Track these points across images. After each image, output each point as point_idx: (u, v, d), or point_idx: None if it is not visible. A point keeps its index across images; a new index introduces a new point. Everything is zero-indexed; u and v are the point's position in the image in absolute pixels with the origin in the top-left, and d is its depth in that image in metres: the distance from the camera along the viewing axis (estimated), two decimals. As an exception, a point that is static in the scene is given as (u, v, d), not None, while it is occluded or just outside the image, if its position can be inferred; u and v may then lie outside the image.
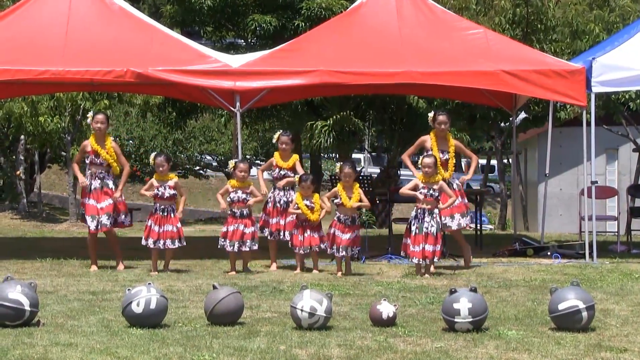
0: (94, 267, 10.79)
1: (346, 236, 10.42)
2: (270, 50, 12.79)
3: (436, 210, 10.31)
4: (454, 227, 11.09)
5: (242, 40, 21.62)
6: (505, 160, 27.84)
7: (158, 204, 10.58)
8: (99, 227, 10.75)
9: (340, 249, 10.41)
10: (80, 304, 8.21)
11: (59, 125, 20.71)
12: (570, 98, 11.92)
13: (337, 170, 10.75)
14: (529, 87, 11.89)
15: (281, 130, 11.52)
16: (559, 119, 18.61)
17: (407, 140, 21.79)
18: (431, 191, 10.29)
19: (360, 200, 10.52)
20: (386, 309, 7.23)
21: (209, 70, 11.72)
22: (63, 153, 23.11)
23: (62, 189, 33.89)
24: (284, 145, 11.21)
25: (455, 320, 6.97)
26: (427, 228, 10.21)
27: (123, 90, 19.05)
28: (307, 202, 10.66)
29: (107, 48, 11.71)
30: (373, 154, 40.48)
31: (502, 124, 20.76)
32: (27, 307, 6.99)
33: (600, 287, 9.34)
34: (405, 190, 10.57)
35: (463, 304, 6.94)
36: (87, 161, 10.96)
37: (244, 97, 11.79)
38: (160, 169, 10.61)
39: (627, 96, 17.70)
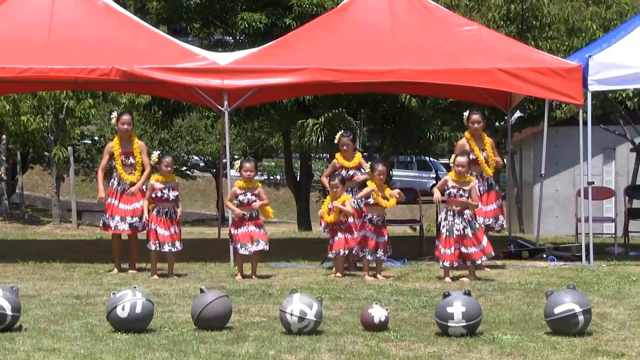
0: (115, 271, 10.65)
1: (381, 239, 10.20)
2: (259, 48, 12.65)
3: (467, 212, 10.00)
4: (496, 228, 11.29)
5: (231, 38, 21.53)
6: (499, 160, 27.73)
7: (160, 206, 10.25)
8: (123, 229, 10.63)
9: (378, 252, 10.17)
10: (63, 308, 8.15)
11: (42, 125, 20.60)
12: (567, 96, 11.79)
13: (367, 169, 10.49)
14: (524, 85, 11.75)
15: (342, 131, 11.27)
16: (555, 118, 18.55)
17: (400, 139, 21.71)
18: (461, 191, 10.03)
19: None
20: (378, 313, 7.15)
21: (196, 68, 11.55)
22: (46, 153, 22.96)
23: (45, 190, 33.80)
24: (345, 147, 11.05)
25: (449, 324, 6.91)
26: (458, 230, 9.96)
27: (108, 89, 18.94)
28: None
29: (91, 45, 11.55)
30: (365, 153, 40.40)
31: (497, 123, 20.61)
32: (9, 312, 6.96)
33: (597, 290, 9.27)
34: (436, 194, 10.10)
35: (457, 308, 6.89)
36: (115, 164, 10.80)
37: (232, 95, 11.64)
38: (169, 168, 10.34)
39: (624, 94, 17.59)
